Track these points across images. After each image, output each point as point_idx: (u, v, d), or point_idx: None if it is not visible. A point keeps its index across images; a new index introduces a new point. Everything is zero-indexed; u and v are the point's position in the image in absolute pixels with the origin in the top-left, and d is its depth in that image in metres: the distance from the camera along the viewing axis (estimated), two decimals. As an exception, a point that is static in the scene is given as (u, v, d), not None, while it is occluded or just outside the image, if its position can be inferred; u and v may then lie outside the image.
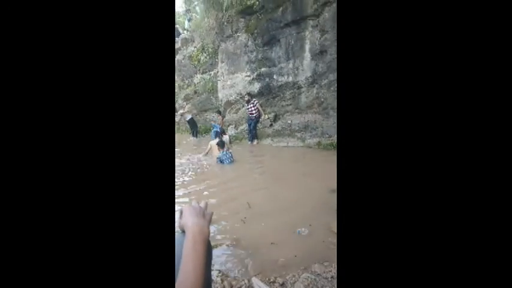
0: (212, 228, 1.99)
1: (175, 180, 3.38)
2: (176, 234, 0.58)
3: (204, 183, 3.21)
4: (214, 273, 1.47)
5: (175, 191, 2.96)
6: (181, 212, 0.58)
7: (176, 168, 3.93)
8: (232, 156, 4.09)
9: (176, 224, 0.57)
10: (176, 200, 2.67)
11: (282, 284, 1.36)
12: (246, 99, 5.61)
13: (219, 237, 1.91)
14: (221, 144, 4.18)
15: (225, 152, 4.06)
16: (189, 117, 6.98)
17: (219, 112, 6.79)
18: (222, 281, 1.41)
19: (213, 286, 1.35)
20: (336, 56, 4.35)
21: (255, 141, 5.61)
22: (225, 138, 5.48)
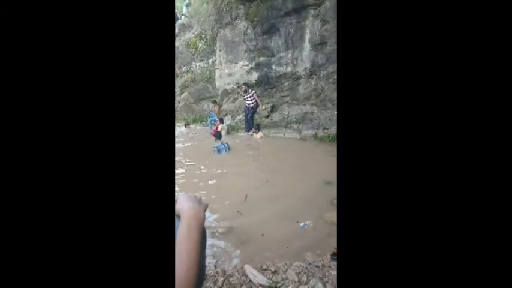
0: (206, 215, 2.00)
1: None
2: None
3: (200, 171, 3.22)
4: (207, 260, 1.49)
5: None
6: (176, 200, 0.58)
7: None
8: (228, 147, 4.19)
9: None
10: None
11: (274, 272, 1.38)
12: (243, 89, 5.55)
13: (213, 225, 1.92)
14: (218, 136, 4.31)
15: (221, 143, 4.17)
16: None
17: (214, 102, 6.74)
18: (215, 267, 1.43)
19: (206, 272, 1.37)
20: (335, 47, 4.30)
21: (252, 132, 5.59)
22: (224, 127, 5.47)
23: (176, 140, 5.23)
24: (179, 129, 6.78)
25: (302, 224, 1.88)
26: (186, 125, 7.01)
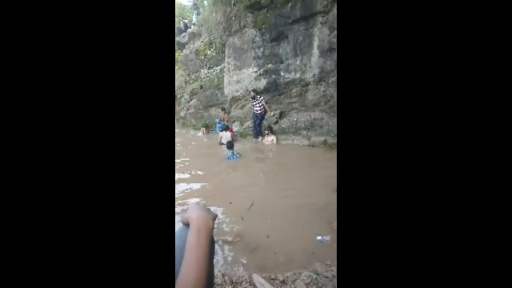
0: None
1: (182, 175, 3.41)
2: (180, 227, 0.58)
3: (207, 179, 3.23)
4: (215, 268, 1.48)
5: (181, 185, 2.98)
6: (186, 209, 0.58)
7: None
8: (239, 154, 4.19)
9: (180, 218, 0.57)
10: (180, 195, 2.69)
11: (283, 281, 1.36)
12: (252, 95, 5.57)
13: (219, 233, 1.91)
14: (230, 146, 4.27)
15: (232, 152, 4.14)
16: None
17: (223, 109, 6.81)
18: (223, 276, 1.41)
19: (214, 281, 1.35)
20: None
21: (260, 138, 5.59)
22: (226, 135, 5.28)
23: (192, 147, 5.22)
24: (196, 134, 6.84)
25: (320, 237, 1.74)
26: (206, 127, 7.03)
